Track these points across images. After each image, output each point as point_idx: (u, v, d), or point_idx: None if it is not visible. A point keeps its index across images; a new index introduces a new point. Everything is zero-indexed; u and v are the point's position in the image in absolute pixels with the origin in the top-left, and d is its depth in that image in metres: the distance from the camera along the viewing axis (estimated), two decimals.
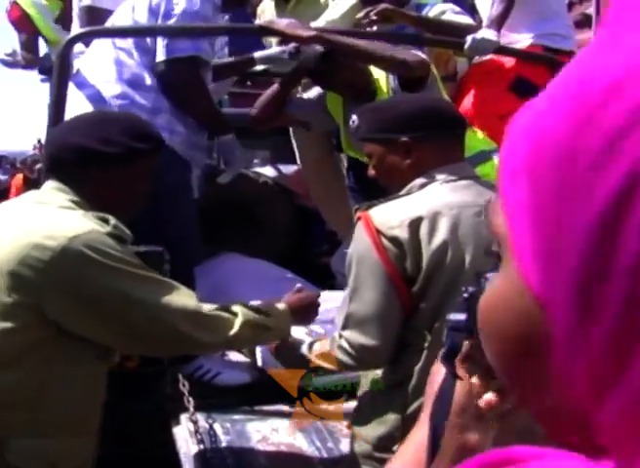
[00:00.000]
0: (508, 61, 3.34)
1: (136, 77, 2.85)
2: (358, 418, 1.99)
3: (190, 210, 2.99)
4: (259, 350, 2.80)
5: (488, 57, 3.32)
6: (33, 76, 4.46)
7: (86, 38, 2.73)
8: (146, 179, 2.00)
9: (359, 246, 1.85)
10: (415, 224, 1.79)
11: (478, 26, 3.32)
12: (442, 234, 1.79)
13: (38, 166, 21.04)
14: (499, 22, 3.29)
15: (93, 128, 1.92)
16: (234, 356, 2.99)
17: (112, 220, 1.87)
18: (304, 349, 2.04)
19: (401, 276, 1.79)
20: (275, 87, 3.26)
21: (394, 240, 1.79)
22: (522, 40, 3.49)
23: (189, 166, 2.97)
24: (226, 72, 3.56)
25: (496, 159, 3.14)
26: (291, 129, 3.91)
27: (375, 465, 1.86)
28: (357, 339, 1.83)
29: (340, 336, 1.88)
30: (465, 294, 0.93)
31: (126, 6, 3.01)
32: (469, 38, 3.02)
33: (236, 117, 3.51)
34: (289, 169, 4.21)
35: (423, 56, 2.94)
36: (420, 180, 1.90)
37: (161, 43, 2.84)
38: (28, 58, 4.30)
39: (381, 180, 2.01)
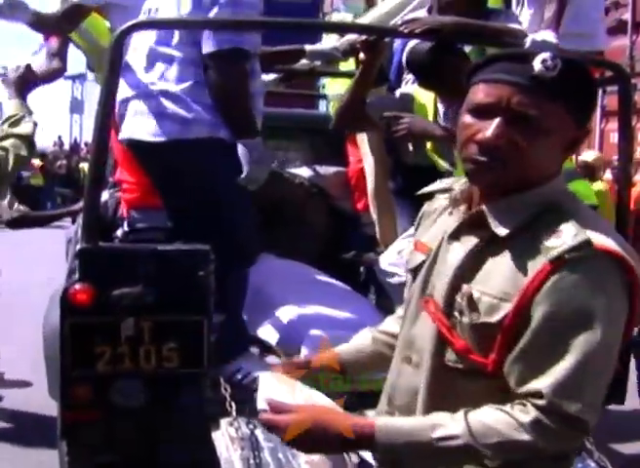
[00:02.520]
0: None
1: (188, 73, 2.77)
2: None
3: (250, 208, 2.91)
4: (304, 352, 2.75)
5: None
6: None
7: (139, 29, 2.67)
8: None
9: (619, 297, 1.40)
10: None
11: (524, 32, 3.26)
12: None
13: (60, 162, 21.16)
14: (556, 23, 3.26)
15: None
16: (274, 359, 2.94)
17: None
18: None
19: None
20: (351, 89, 3.17)
21: None
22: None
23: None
24: (274, 62, 3.49)
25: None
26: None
27: None
28: (586, 414, 1.36)
29: (545, 411, 1.35)
30: None
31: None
32: (529, 40, 2.94)
33: (271, 116, 3.45)
34: (326, 170, 4.16)
35: None
36: (561, 187, 1.51)
37: (206, 35, 2.73)
38: (58, 67, 4.23)
39: (512, 160, 1.43)
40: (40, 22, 3.72)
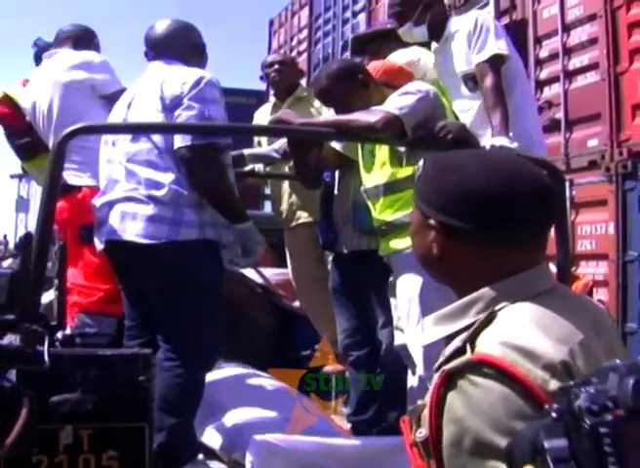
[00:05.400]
0: None
1: (170, 178, 2.84)
2: None
3: (219, 312, 2.94)
4: (249, 458, 2.69)
5: None
6: (0, 173, 4.40)
7: (83, 133, 2.70)
8: None
9: (506, 407, 1.16)
10: (568, 371, 1.17)
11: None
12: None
13: (5, 262, 20.85)
14: (505, 127, 3.30)
15: None
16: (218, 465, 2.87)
17: None
18: None
19: None
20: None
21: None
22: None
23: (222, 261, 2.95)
24: None
25: None
26: (285, 237, 4.00)
27: None
28: None
29: None
30: (554, 414, 0.82)
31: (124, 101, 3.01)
32: (488, 145, 3.02)
33: None
34: (270, 271, 4.18)
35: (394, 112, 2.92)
36: (497, 291, 1.31)
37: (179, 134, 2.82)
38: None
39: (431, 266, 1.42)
40: None
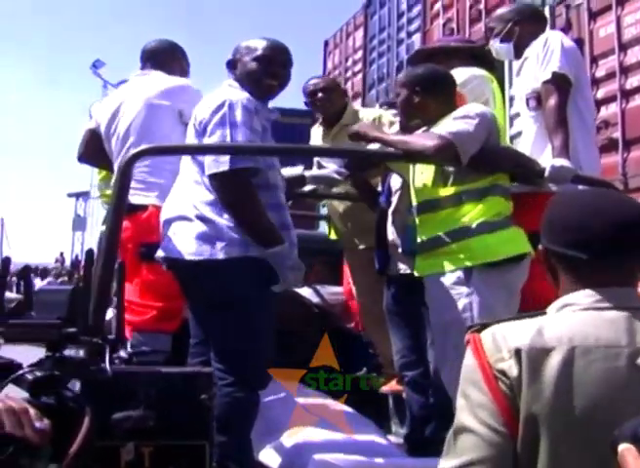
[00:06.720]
0: None
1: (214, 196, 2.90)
2: None
3: (271, 329, 2.94)
4: None
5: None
6: (58, 192, 4.47)
7: (147, 155, 2.76)
8: None
9: (466, 374, 1.53)
10: (518, 357, 1.46)
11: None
12: (547, 375, 1.44)
13: (62, 280, 21.26)
14: (566, 149, 3.25)
15: None
16: None
17: None
18: None
19: (513, 416, 1.45)
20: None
21: (503, 374, 1.47)
22: None
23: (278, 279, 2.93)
24: None
25: None
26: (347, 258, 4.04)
27: None
28: None
29: None
30: None
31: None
32: (549, 166, 3.00)
33: None
34: (326, 290, 4.18)
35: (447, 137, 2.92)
36: (560, 302, 1.58)
37: (207, 157, 2.88)
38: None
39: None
40: None
